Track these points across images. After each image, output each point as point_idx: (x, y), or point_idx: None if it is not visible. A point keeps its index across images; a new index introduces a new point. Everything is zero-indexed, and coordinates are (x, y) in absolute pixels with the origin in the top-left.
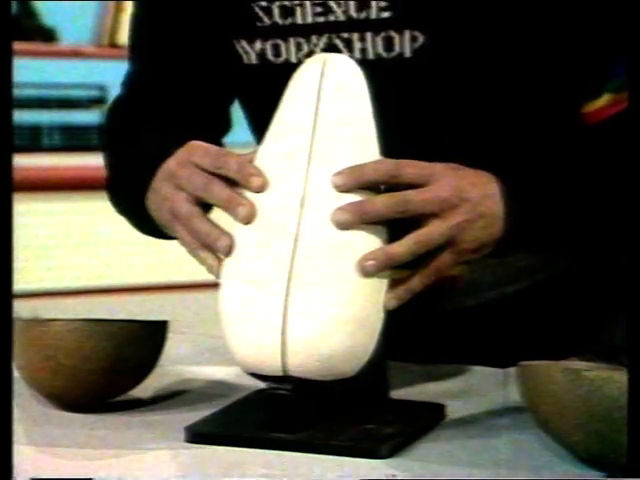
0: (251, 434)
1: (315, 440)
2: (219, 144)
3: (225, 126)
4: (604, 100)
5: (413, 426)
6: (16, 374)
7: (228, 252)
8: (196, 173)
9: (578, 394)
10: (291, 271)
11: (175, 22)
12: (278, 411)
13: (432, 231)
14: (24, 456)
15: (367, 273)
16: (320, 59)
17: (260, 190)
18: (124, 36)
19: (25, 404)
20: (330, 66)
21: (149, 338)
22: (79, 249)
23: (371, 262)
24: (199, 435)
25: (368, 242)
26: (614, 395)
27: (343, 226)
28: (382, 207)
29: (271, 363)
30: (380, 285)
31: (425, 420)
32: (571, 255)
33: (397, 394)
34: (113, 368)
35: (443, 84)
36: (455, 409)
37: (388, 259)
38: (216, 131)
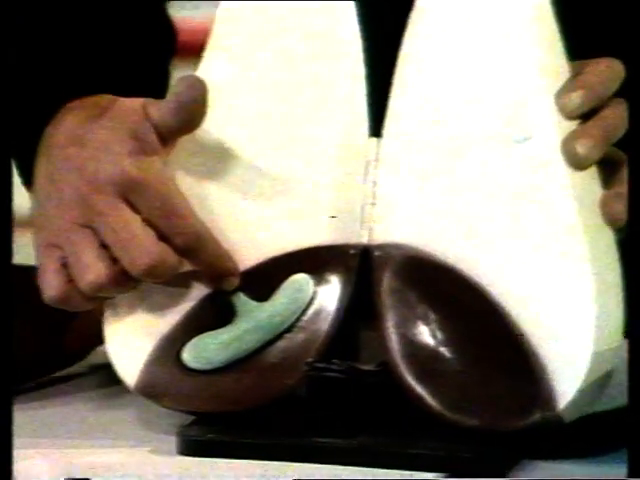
0: (283, 440)
1: (383, 448)
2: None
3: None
4: None
5: None
6: None
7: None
8: None
9: None
10: None
11: None
12: (324, 405)
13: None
14: None
15: (585, 161)
16: None
17: None
18: None
19: None
20: None
21: None
22: None
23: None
24: (198, 444)
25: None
26: None
27: (585, 162)
28: (622, 120)
29: None
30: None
31: None
32: None
33: None
34: (39, 333)
35: None
36: None
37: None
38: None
